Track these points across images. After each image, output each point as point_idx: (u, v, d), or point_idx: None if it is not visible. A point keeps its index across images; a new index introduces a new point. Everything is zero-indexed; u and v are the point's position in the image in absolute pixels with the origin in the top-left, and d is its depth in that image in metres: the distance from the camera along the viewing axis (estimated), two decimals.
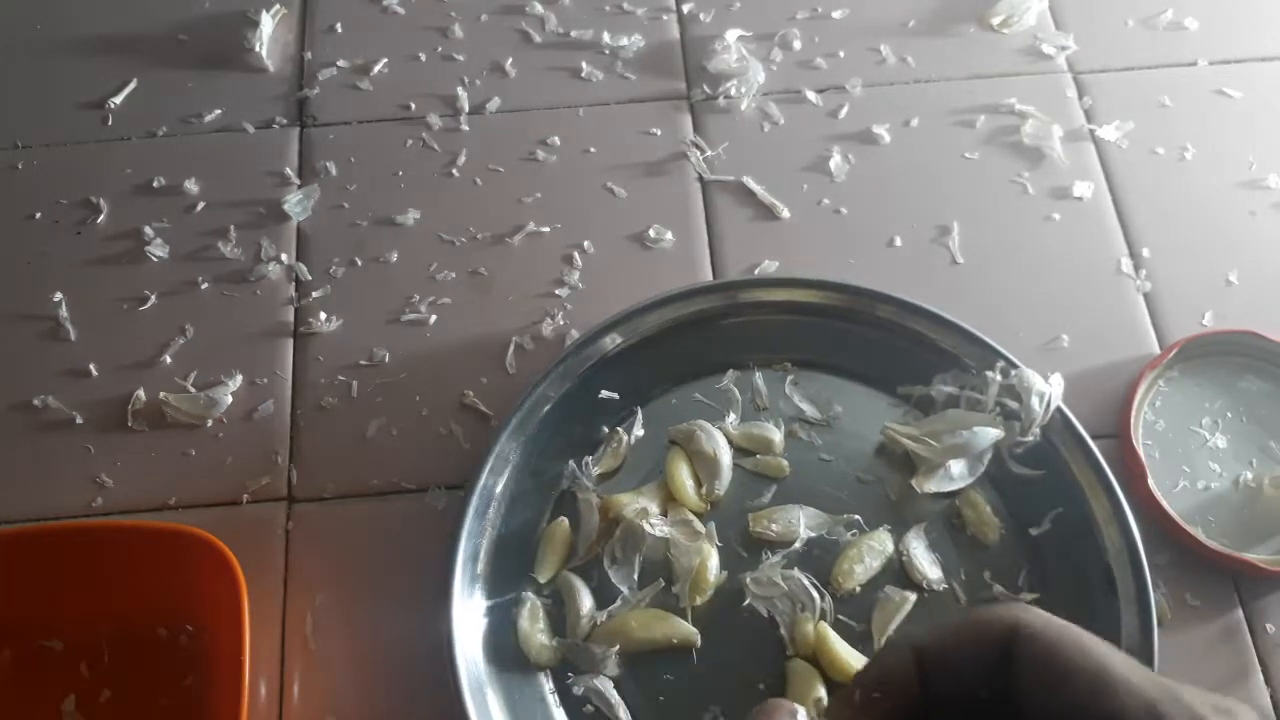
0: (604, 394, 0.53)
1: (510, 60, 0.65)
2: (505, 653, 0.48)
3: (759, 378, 0.54)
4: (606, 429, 0.53)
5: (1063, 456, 0.50)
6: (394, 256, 0.59)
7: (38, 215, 0.60)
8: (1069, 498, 0.50)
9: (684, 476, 0.51)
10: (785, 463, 0.52)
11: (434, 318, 0.57)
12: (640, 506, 0.49)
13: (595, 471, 0.51)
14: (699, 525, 0.50)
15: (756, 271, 0.58)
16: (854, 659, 0.47)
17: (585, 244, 0.59)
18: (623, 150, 0.62)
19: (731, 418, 0.53)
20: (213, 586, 0.46)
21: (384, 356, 0.56)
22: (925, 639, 0.29)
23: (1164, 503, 0.50)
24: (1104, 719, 0.25)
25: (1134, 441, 0.52)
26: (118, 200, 0.61)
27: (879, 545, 0.49)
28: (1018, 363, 0.52)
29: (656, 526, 0.49)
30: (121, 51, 0.66)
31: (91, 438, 0.54)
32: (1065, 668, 0.26)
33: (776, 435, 0.52)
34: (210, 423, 0.54)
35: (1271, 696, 0.48)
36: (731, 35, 0.65)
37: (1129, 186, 0.61)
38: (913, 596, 0.48)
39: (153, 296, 0.58)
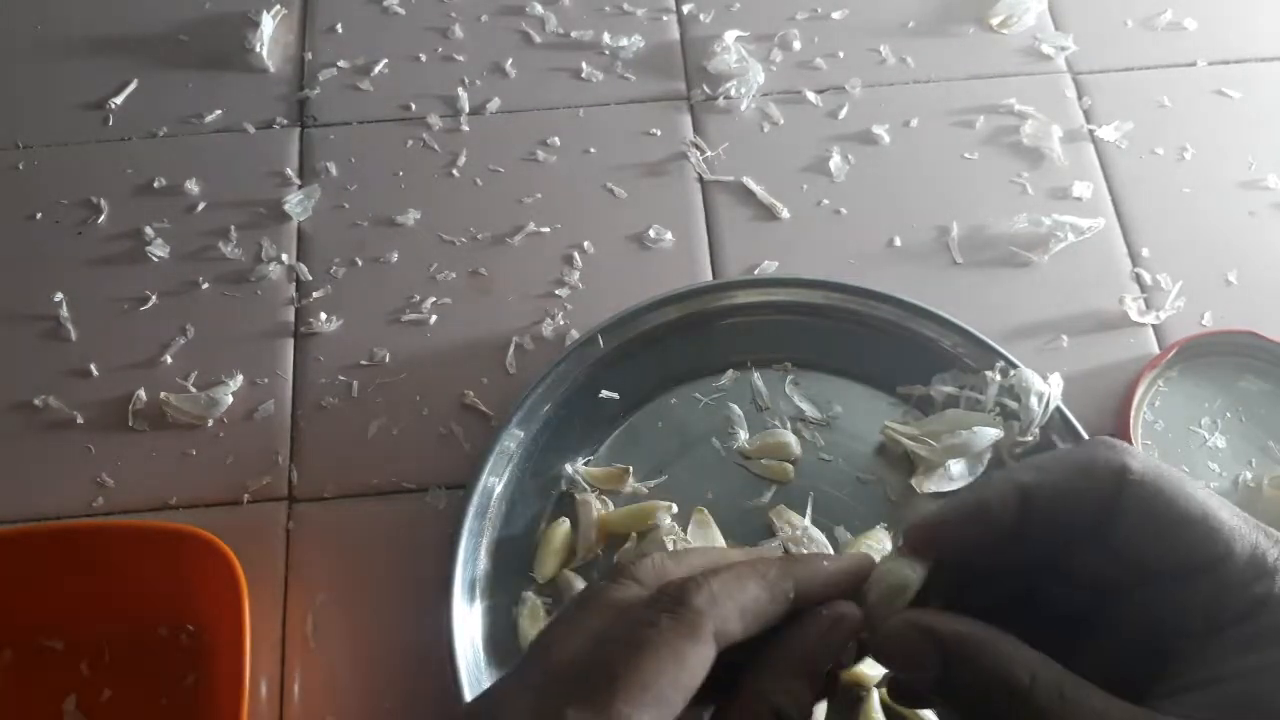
0: (604, 394, 0.53)
1: (510, 60, 0.65)
2: (505, 653, 0.48)
3: (759, 378, 0.54)
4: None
5: None
6: (394, 256, 0.59)
7: (38, 215, 0.60)
8: None
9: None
10: (790, 468, 0.52)
11: (434, 318, 0.57)
12: (670, 522, 0.50)
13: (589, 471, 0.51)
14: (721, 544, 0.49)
15: (756, 271, 0.58)
16: None
17: (585, 244, 0.59)
18: (623, 150, 0.62)
19: (742, 434, 0.53)
20: (213, 586, 0.46)
21: (384, 356, 0.56)
22: (1030, 477, 0.28)
23: None
24: (1208, 564, 0.25)
25: (1134, 441, 0.52)
26: (118, 200, 0.61)
27: (877, 545, 0.49)
28: (1017, 363, 0.52)
29: (679, 546, 0.49)
30: (122, 51, 0.66)
31: (92, 438, 0.54)
32: (1170, 513, 0.26)
33: (792, 439, 0.52)
34: (211, 422, 0.54)
35: None
36: (731, 36, 0.65)
37: (1129, 186, 0.61)
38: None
39: (153, 296, 0.58)
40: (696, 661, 0.25)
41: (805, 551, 0.49)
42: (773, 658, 0.27)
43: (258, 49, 0.65)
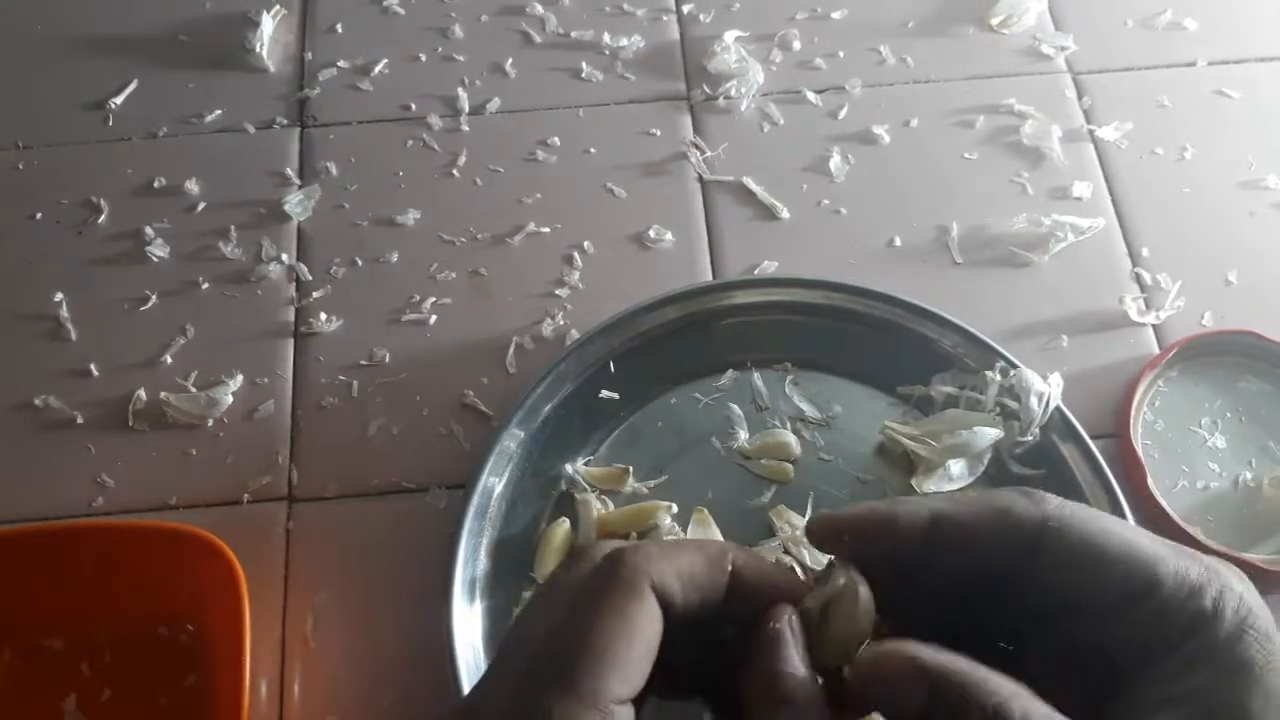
0: (604, 394, 0.53)
1: (510, 60, 0.65)
2: None
3: (759, 378, 0.54)
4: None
5: (1062, 456, 0.51)
6: (394, 256, 0.59)
7: (38, 215, 0.60)
8: (1069, 498, 0.49)
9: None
10: (790, 468, 0.52)
11: (434, 318, 0.57)
12: (670, 523, 0.50)
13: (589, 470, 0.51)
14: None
15: (756, 271, 0.58)
16: None
17: (585, 244, 0.59)
18: (623, 150, 0.62)
19: (742, 434, 0.53)
20: (213, 586, 0.46)
21: (384, 356, 0.56)
22: (947, 509, 0.28)
23: (1163, 503, 0.50)
24: (1138, 594, 0.26)
25: (1134, 441, 0.52)
26: (118, 200, 0.61)
27: None
28: (1017, 363, 0.52)
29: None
30: (122, 51, 0.66)
31: (92, 438, 0.54)
32: (1091, 554, 0.26)
33: (792, 439, 0.52)
34: (211, 422, 0.54)
35: None
36: (731, 36, 0.65)
37: (1129, 186, 0.61)
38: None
39: (153, 296, 0.58)
40: (643, 618, 0.26)
41: (805, 552, 0.49)
42: (758, 672, 0.27)
43: (258, 49, 0.65)
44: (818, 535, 0.29)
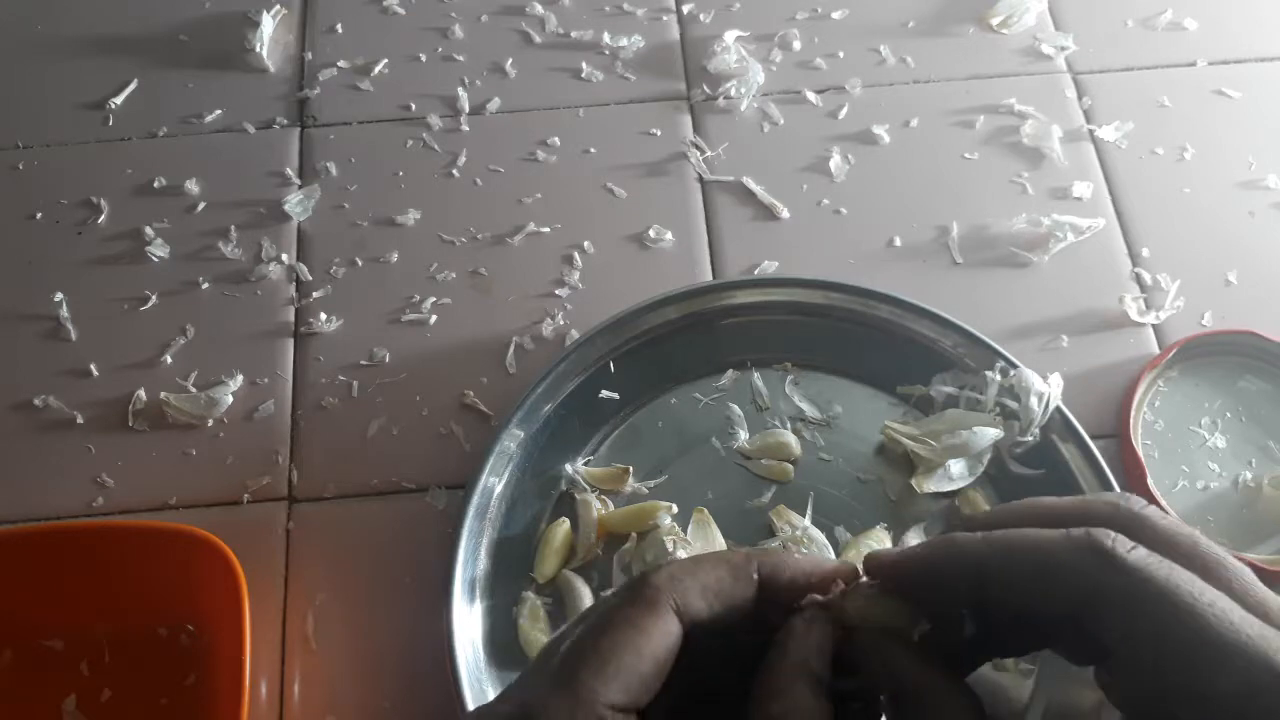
0: (604, 394, 0.53)
1: (510, 60, 0.65)
2: (505, 652, 0.48)
3: (759, 378, 0.54)
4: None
5: (1063, 456, 0.51)
6: (394, 256, 0.59)
7: (38, 215, 0.60)
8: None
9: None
10: (790, 468, 0.52)
11: (434, 318, 0.57)
12: (670, 523, 0.50)
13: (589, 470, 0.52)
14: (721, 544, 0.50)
15: (756, 271, 0.58)
16: None
17: (585, 244, 0.59)
18: (623, 150, 0.62)
19: (742, 434, 0.53)
20: (213, 586, 0.46)
21: (384, 356, 0.56)
22: (994, 563, 0.25)
23: (1163, 503, 0.50)
24: (1193, 696, 0.22)
25: (1133, 441, 0.52)
26: (118, 200, 0.61)
27: (877, 544, 0.49)
28: (1017, 363, 0.52)
29: (679, 546, 0.49)
30: (122, 51, 0.66)
31: (92, 438, 0.54)
32: (1156, 636, 0.23)
33: (792, 439, 0.52)
34: (211, 423, 0.54)
35: None
36: (731, 36, 0.65)
37: (1129, 186, 0.61)
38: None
39: (153, 296, 0.58)
40: (658, 633, 0.26)
41: (805, 552, 0.49)
42: (765, 666, 0.27)
43: (258, 49, 0.65)
44: (868, 570, 0.28)
